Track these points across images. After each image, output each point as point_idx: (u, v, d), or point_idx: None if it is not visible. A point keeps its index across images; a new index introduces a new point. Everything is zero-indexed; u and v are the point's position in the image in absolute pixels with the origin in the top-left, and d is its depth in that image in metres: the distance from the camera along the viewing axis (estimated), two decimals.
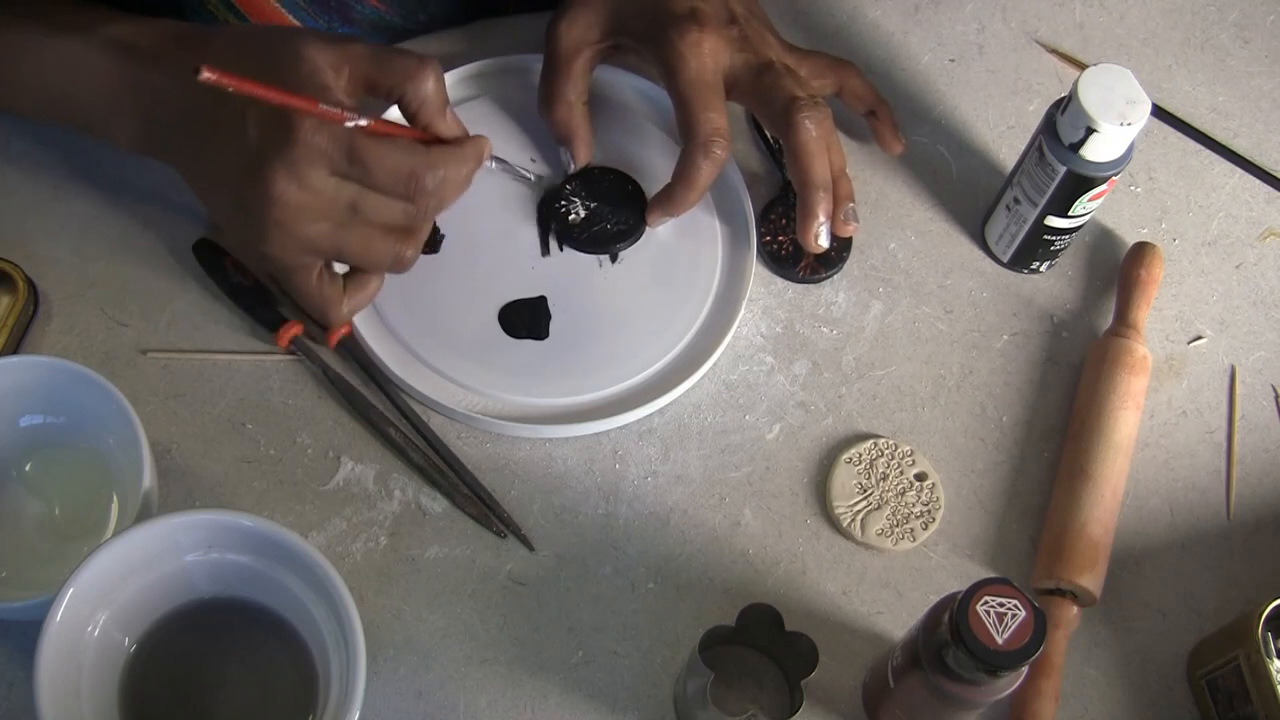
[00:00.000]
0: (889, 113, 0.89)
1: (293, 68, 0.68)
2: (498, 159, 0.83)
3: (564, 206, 0.84)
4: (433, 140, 0.72)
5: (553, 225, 0.84)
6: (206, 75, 0.61)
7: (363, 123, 0.67)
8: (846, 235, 0.83)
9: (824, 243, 0.81)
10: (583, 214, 0.84)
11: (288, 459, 0.79)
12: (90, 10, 0.75)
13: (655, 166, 0.86)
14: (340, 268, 0.76)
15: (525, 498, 0.79)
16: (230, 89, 0.62)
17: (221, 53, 0.71)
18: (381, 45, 0.71)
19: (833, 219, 0.81)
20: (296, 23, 0.86)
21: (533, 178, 0.84)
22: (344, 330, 0.80)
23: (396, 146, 0.69)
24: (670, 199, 0.82)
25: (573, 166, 0.84)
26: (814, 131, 0.78)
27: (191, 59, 0.64)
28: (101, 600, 0.68)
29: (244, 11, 0.83)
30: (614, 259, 0.85)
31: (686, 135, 0.79)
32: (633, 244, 0.84)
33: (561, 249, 0.84)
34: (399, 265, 0.73)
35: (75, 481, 0.75)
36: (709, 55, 0.79)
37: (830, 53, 0.89)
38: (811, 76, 0.86)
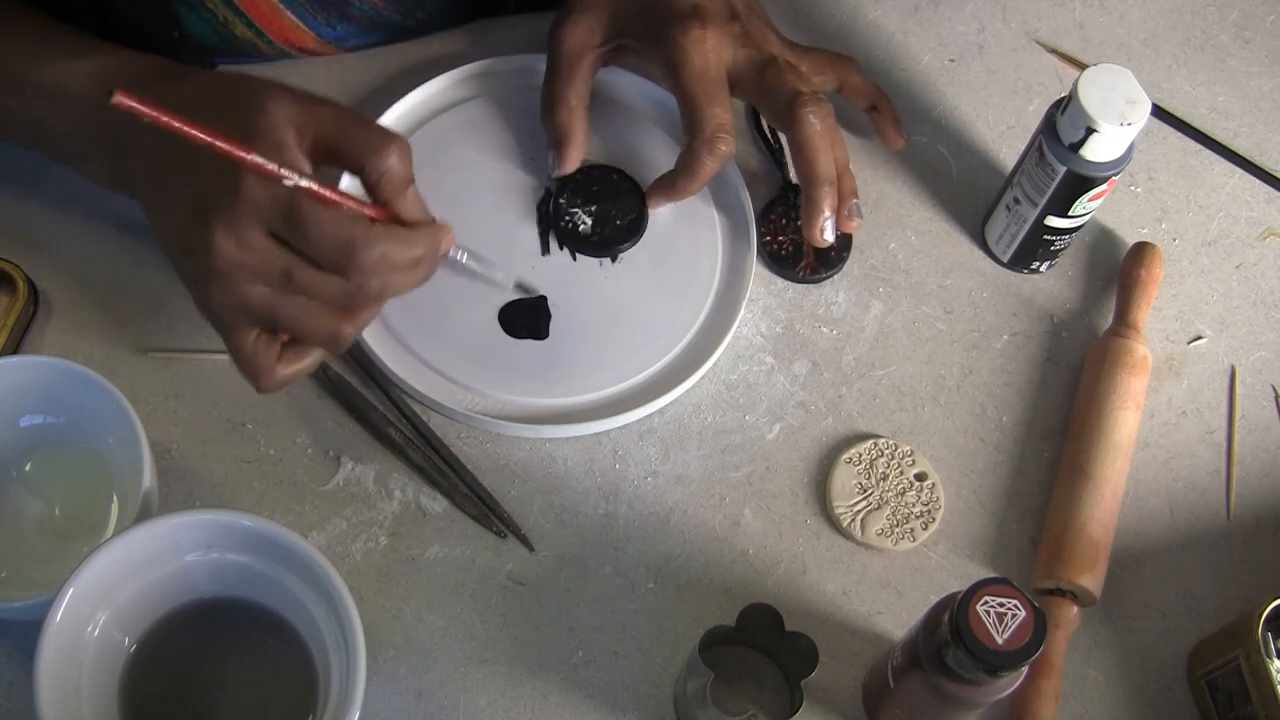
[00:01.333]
0: (890, 107, 0.89)
1: (254, 119, 0.65)
2: (470, 252, 0.74)
3: (569, 221, 0.84)
4: (388, 218, 0.67)
5: (565, 242, 0.84)
6: (119, 99, 0.58)
7: (302, 183, 0.63)
8: (850, 231, 0.83)
9: (829, 237, 0.81)
10: (590, 221, 0.84)
11: (288, 459, 0.79)
12: (77, 38, 0.74)
13: (658, 166, 0.86)
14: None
15: (525, 498, 0.79)
16: (145, 119, 0.59)
17: (191, 92, 0.69)
18: (354, 113, 0.68)
19: (836, 215, 0.81)
20: (296, 20, 0.86)
21: (504, 282, 0.79)
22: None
23: (336, 216, 0.64)
24: (673, 187, 0.82)
25: (556, 171, 0.84)
26: (818, 126, 0.78)
27: (170, 97, 0.62)
28: (101, 600, 0.68)
29: (242, 8, 0.83)
30: (614, 259, 0.85)
31: (691, 130, 0.79)
32: (637, 241, 0.84)
33: (575, 258, 0.84)
34: (334, 343, 0.68)
35: (75, 481, 0.75)
36: (712, 51, 0.79)
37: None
38: (812, 73, 0.87)
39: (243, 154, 0.62)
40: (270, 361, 0.69)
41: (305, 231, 0.64)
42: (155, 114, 0.60)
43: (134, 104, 0.59)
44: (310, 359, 0.70)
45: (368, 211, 0.66)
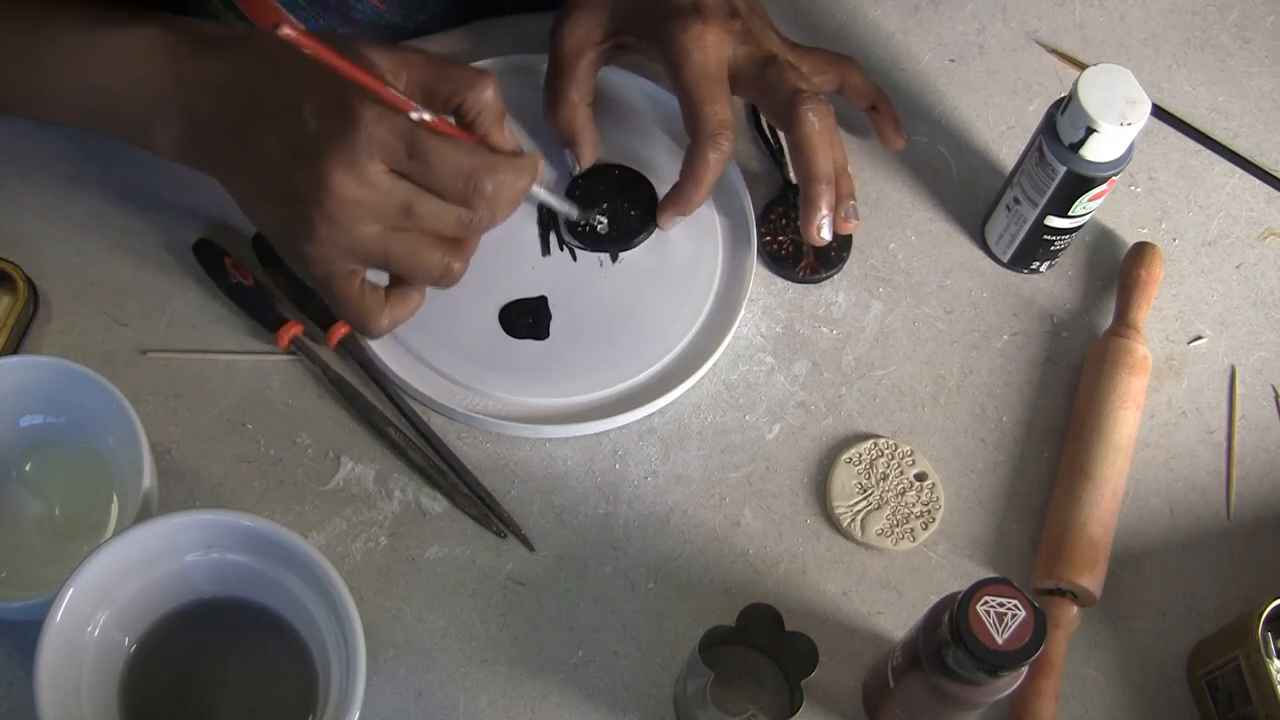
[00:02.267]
0: (890, 107, 0.89)
1: (354, 60, 0.66)
2: (540, 187, 0.78)
3: (585, 225, 0.84)
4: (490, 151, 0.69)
5: (588, 246, 0.84)
6: (286, 31, 0.59)
7: (426, 116, 0.66)
8: (847, 232, 0.83)
9: (827, 235, 0.81)
10: (606, 220, 0.84)
11: (288, 459, 0.79)
12: (130, 7, 0.73)
13: (660, 166, 0.86)
14: (381, 278, 0.73)
15: (525, 498, 0.79)
16: (304, 49, 0.60)
17: (275, 47, 0.68)
18: (437, 56, 0.70)
19: (834, 214, 0.81)
20: (296, 22, 0.85)
21: (570, 211, 0.82)
22: (343, 330, 0.80)
23: (458, 145, 0.67)
24: (680, 196, 0.82)
25: (578, 168, 0.84)
26: (817, 125, 0.78)
27: (241, 50, 0.63)
28: (101, 600, 0.68)
29: (244, 10, 0.83)
30: (614, 259, 0.85)
31: (693, 129, 0.79)
32: (654, 228, 0.85)
33: (575, 258, 0.84)
34: (446, 278, 0.70)
35: (75, 481, 0.75)
36: (713, 48, 0.79)
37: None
38: (813, 72, 0.87)
39: (379, 87, 0.64)
40: (380, 304, 0.71)
41: (432, 162, 0.65)
42: (316, 47, 0.61)
43: (299, 36, 0.60)
44: (416, 299, 0.73)
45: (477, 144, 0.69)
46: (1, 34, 0.72)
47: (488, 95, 0.69)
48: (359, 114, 0.64)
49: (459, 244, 0.70)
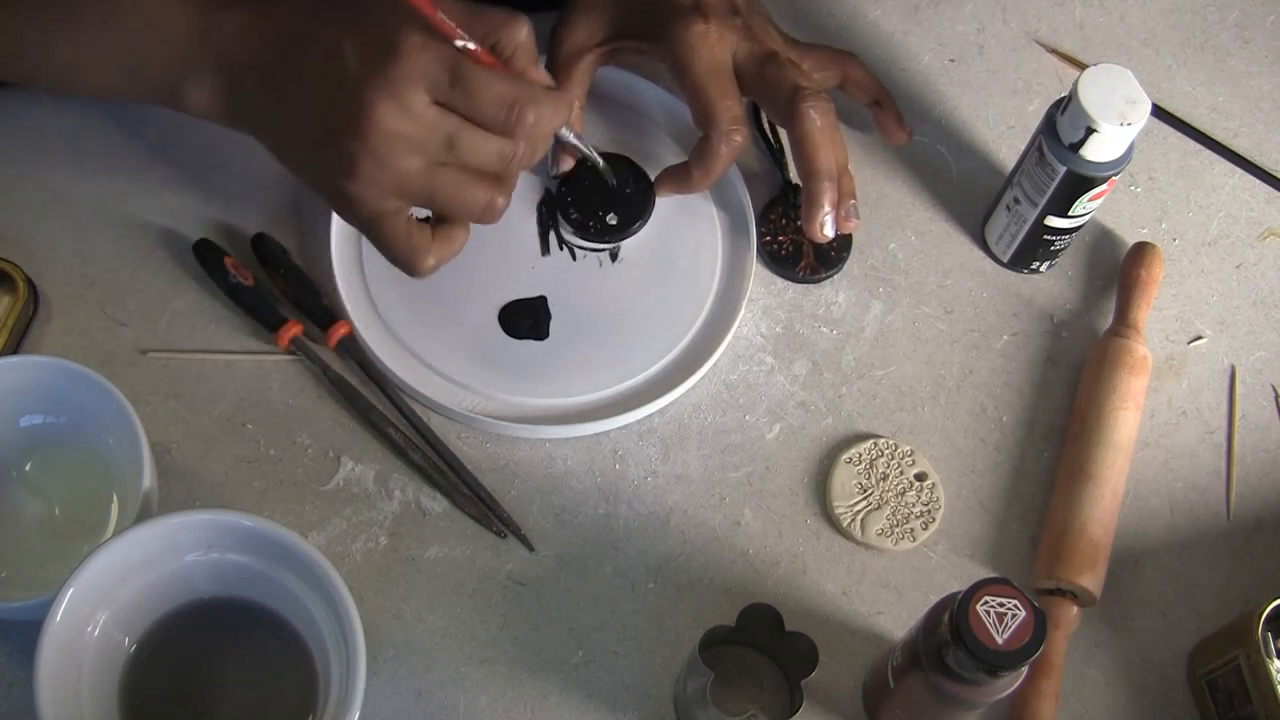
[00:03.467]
0: (892, 103, 0.89)
1: (387, 6, 0.67)
2: (569, 130, 0.79)
3: (596, 224, 0.84)
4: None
5: (598, 237, 0.84)
6: None
7: (471, 45, 0.66)
8: (847, 231, 0.83)
9: (829, 233, 0.81)
10: (612, 211, 0.84)
11: (288, 459, 0.79)
12: None
13: (659, 165, 0.86)
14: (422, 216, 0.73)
15: (525, 498, 0.79)
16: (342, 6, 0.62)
17: None
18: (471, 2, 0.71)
19: (835, 213, 0.81)
20: None
21: (601, 164, 0.82)
22: (343, 330, 0.80)
23: (500, 76, 0.67)
24: (686, 179, 0.82)
25: (554, 170, 0.84)
26: (819, 121, 0.78)
27: (276, 2, 0.64)
28: (101, 600, 0.68)
29: None
30: (614, 258, 0.85)
31: (706, 124, 0.79)
32: (655, 204, 0.85)
33: (575, 258, 0.84)
34: (489, 213, 0.70)
35: (75, 481, 0.75)
36: (717, 45, 0.79)
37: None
38: (814, 69, 0.87)
39: (430, 10, 0.64)
40: (426, 243, 0.71)
41: (475, 91, 0.66)
42: None
43: None
44: (462, 237, 0.73)
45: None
46: (28, 1, 0.71)
47: (523, 34, 0.69)
48: (402, 44, 0.65)
49: (501, 179, 0.70)
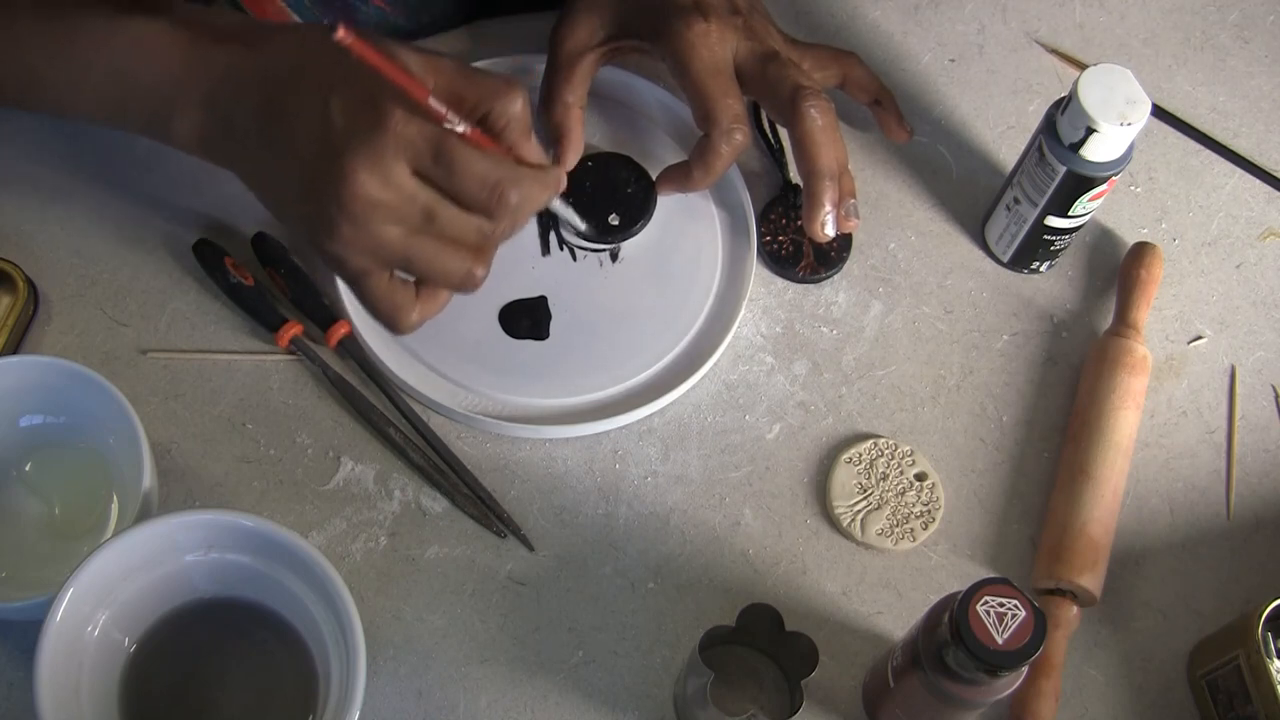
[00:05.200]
0: (893, 102, 0.89)
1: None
2: (560, 199, 0.78)
3: (598, 224, 0.83)
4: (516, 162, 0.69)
5: (598, 238, 0.84)
6: (342, 35, 0.58)
7: (461, 128, 0.65)
8: (847, 231, 0.83)
9: (830, 232, 0.81)
10: (617, 210, 0.84)
11: (288, 459, 0.79)
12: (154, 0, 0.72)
13: (659, 165, 0.86)
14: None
15: (525, 498, 0.79)
16: (355, 53, 0.60)
17: (297, 43, 0.68)
18: (467, 64, 0.69)
19: (836, 212, 0.81)
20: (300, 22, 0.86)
21: (584, 227, 0.82)
22: (343, 330, 0.80)
23: (486, 156, 0.66)
24: (687, 177, 0.82)
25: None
26: (820, 120, 0.78)
27: (270, 42, 0.62)
28: (101, 600, 0.68)
29: (250, 11, 0.83)
30: (615, 258, 0.85)
31: (707, 123, 0.79)
32: (657, 201, 0.85)
33: (575, 258, 0.84)
34: (468, 283, 0.69)
35: (75, 481, 0.75)
36: (718, 44, 0.79)
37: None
38: (814, 69, 0.87)
39: (422, 95, 0.63)
40: (410, 301, 0.70)
41: (458, 170, 0.65)
42: (370, 53, 0.60)
43: (355, 41, 0.59)
44: (444, 298, 0.72)
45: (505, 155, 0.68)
46: (22, 26, 0.71)
47: (517, 105, 0.68)
48: (388, 113, 0.64)
49: (480, 250, 0.69)
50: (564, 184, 0.71)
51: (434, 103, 0.64)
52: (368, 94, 0.64)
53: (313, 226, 0.67)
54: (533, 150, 0.69)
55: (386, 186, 0.64)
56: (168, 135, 0.71)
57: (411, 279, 0.70)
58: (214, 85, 0.69)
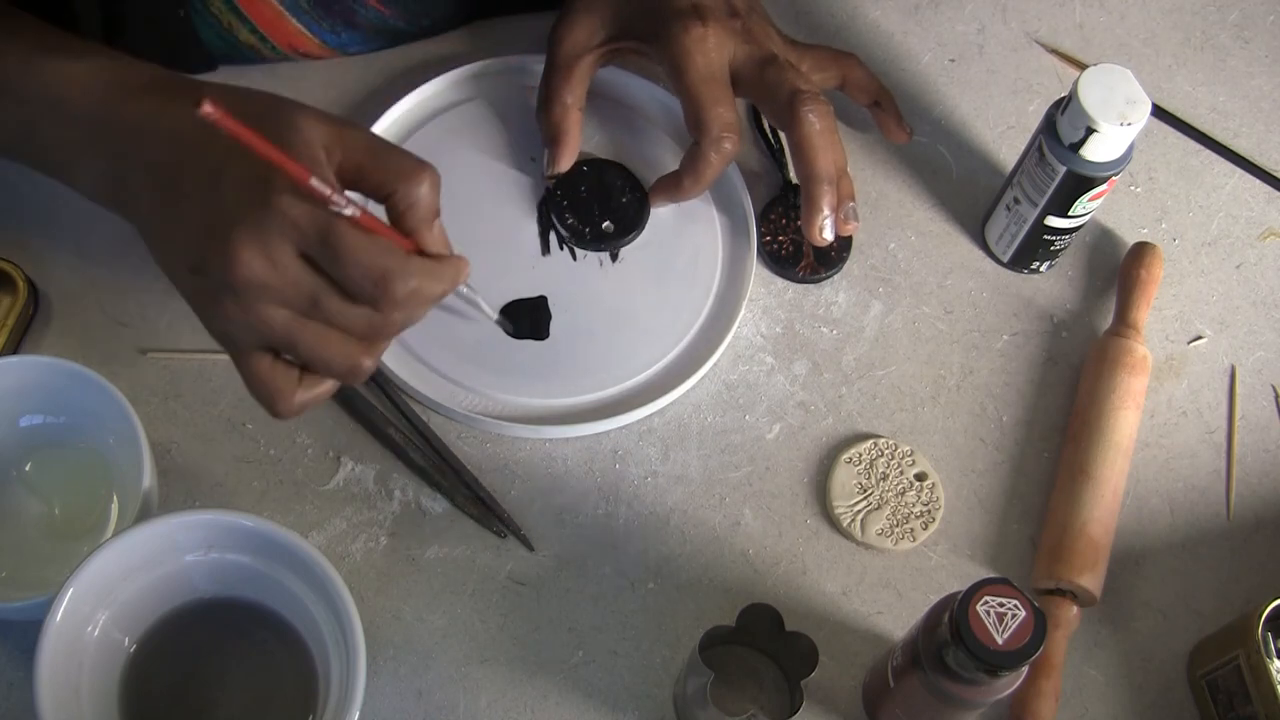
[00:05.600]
0: (893, 103, 0.89)
1: (285, 136, 0.62)
2: (468, 286, 0.76)
3: (591, 229, 0.83)
4: (412, 249, 0.64)
5: (593, 243, 0.84)
6: (207, 109, 0.55)
7: (347, 212, 0.60)
8: (846, 234, 0.83)
9: (828, 236, 0.81)
10: (609, 218, 0.84)
11: (288, 459, 0.79)
12: (78, 41, 0.69)
13: (659, 166, 0.86)
14: None
15: (525, 498, 0.79)
16: (224, 130, 0.56)
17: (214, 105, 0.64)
18: (380, 138, 0.65)
19: (834, 216, 0.81)
20: (301, 27, 0.85)
21: (495, 318, 0.80)
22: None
23: (374, 243, 0.61)
24: (678, 187, 0.82)
25: (549, 170, 0.84)
26: (818, 124, 0.78)
27: (181, 103, 0.59)
28: (101, 600, 0.68)
29: (247, 14, 0.83)
30: (614, 258, 0.85)
31: (697, 130, 0.79)
32: (645, 224, 0.85)
33: (575, 258, 0.84)
34: (353, 375, 0.64)
35: (75, 481, 0.75)
36: (714, 49, 0.79)
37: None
38: (813, 70, 0.87)
39: (301, 176, 0.59)
40: (290, 386, 0.66)
41: (342, 258, 0.61)
42: (238, 128, 0.56)
43: (221, 117, 0.55)
44: (328, 385, 0.67)
45: (400, 244, 0.63)
46: None
47: (423, 190, 0.63)
48: (275, 193, 0.60)
49: (369, 341, 0.65)
50: (465, 274, 0.66)
51: (315, 183, 0.60)
52: (262, 171, 0.61)
53: (199, 299, 0.64)
54: (434, 240, 0.65)
55: (271, 269, 0.61)
56: (71, 180, 0.69)
57: (295, 364, 0.66)
58: (120, 142, 0.66)
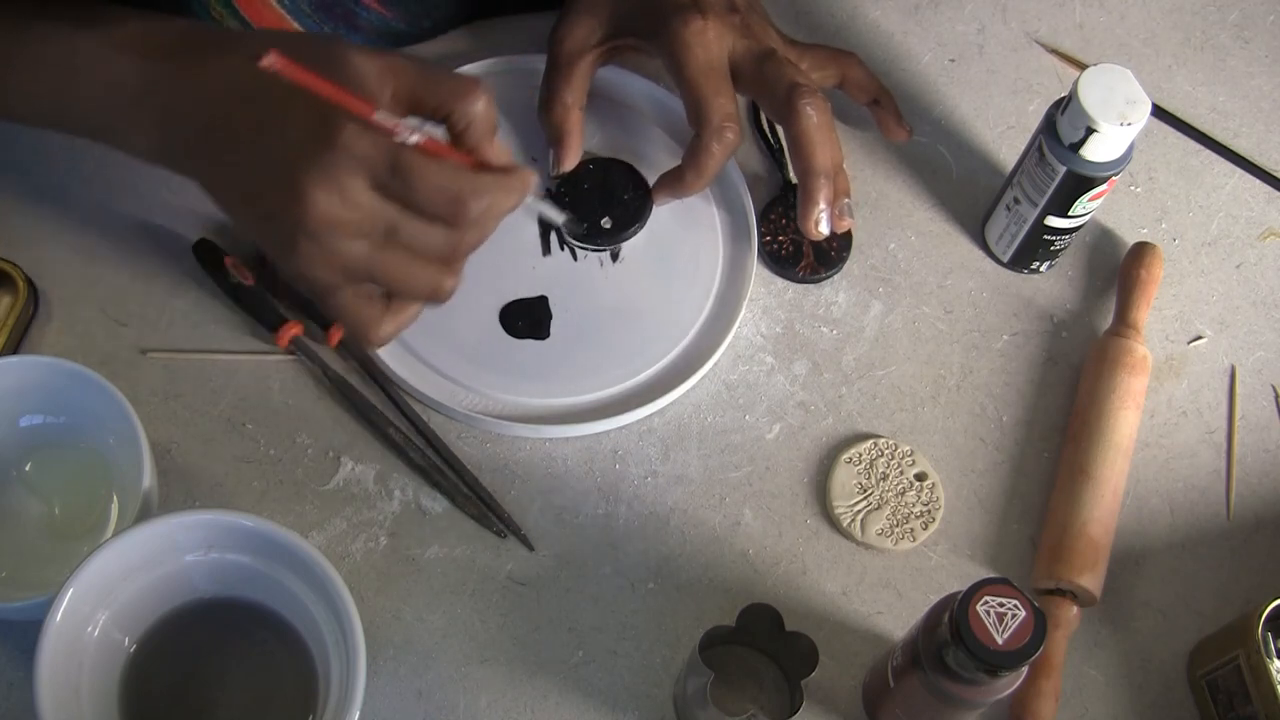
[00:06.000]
0: (892, 100, 0.89)
1: (342, 74, 0.63)
2: (534, 196, 0.76)
3: (589, 227, 0.83)
4: (479, 166, 0.66)
5: (590, 240, 0.84)
6: (269, 61, 0.56)
7: (414, 139, 0.62)
8: (841, 230, 0.83)
9: (824, 230, 0.81)
10: (610, 216, 0.84)
11: (288, 459, 0.79)
12: (110, 8, 0.70)
13: (658, 165, 0.86)
14: None
15: (525, 498, 0.79)
16: (285, 78, 0.58)
17: (258, 55, 0.65)
18: (428, 62, 0.67)
19: (830, 211, 0.81)
20: (300, 29, 0.85)
21: (562, 219, 0.81)
22: (344, 330, 0.80)
23: (443, 166, 0.63)
24: (681, 181, 0.82)
25: (554, 169, 0.84)
26: (815, 119, 0.78)
27: (228, 58, 0.61)
28: (101, 600, 0.68)
29: (248, 17, 0.83)
30: (615, 258, 0.85)
31: (699, 122, 0.79)
32: (651, 211, 0.84)
33: (576, 258, 0.84)
34: (437, 296, 0.67)
35: (75, 481, 0.75)
36: (714, 42, 0.79)
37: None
38: (812, 69, 0.87)
39: (366, 111, 0.61)
40: (378, 314, 0.68)
41: (414, 183, 0.63)
42: (301, 75, 0.58)
43: (284, 66, 0.57)
44: (415, 310, 0.69)
45: (465, 161, 0.65)
46: None
47: (479, 106, 0.65)
48: (339, 130, 0.61)
49: (449, 261, 0.67)
50: (533, 184, 0.68)
51: (381, 117, 0.62)
52: (321, 111, 0.62)
53: (273, 244, 0.65)
54: (497, 152, 0.67)
55: (345, 204, 0.62)
56: (123, 146, 0.70)
57: (379, 293, 0.68)
58: (168, 103, 0.67)
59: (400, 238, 0.64)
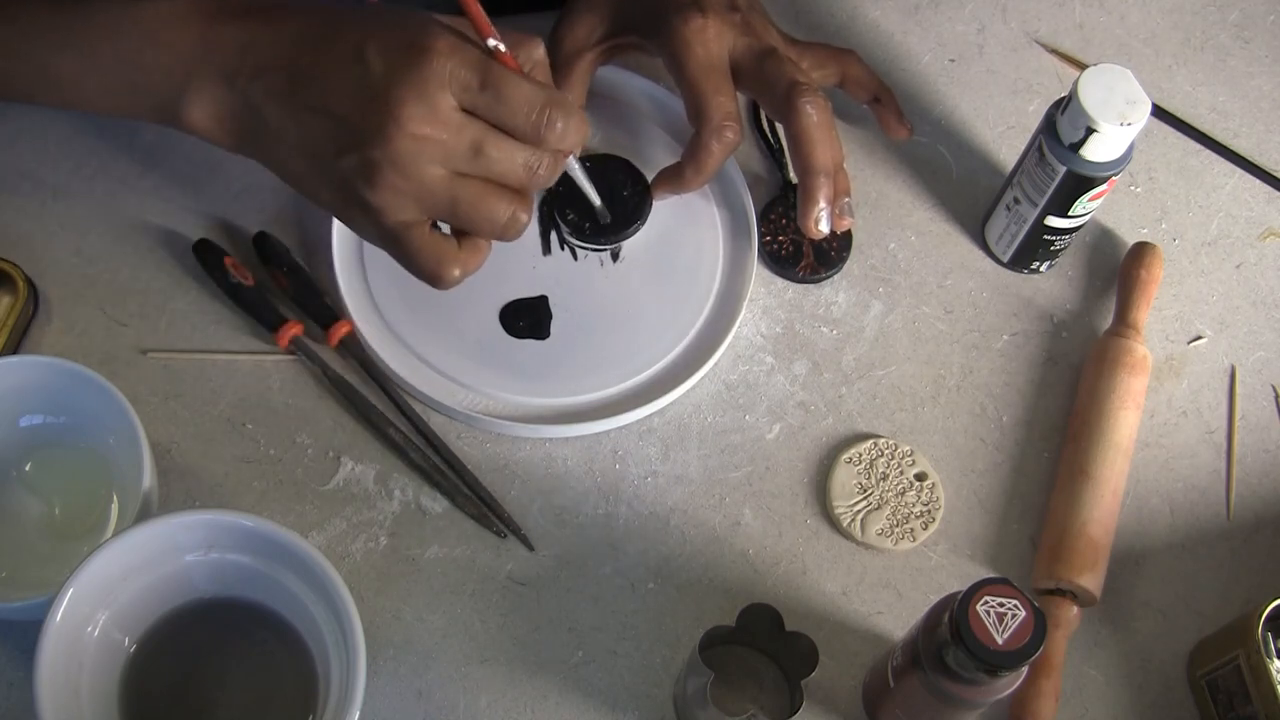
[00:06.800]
0: (893, 98, 0.89)
1: (408, 12, 0.67)
2: (575, 158, 0.77)
3: (587, 222, 0.83)
4: None
5: (590, 237, 0.83)
6: None
7: (501, 46, 0.66)
8: (842, 229, 0.83)
9: (824, 228, 0.81)
10: (613, 216, 0.84)
11: (288, 459, 0.79)
12: None
13: (658, 164, 0.86)
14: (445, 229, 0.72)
15: (525, 498, 0.79)
16: (357, 22, 0.63)
17: (320, 6, 0.69)
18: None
19: (830, 209, 0.81)
20: None
21: (599, 201, 0.80)
22: (344, 329, 0.80)
23: (529, 80, 0.67)
24: (680, 178, 0.82)
25: None
26: (815, 117, 0.78)
27: (289, 11, 0.64)
28: (101, 600, 0.68)
29: None
30: (615, 258, 0.85)
31: (699, 120, 0.79)
32: (648, 214, 0.84)
33: (576, 258, 0.84)
34: (512, 227, 0.69)
35: (75, 481, 0.75)
36: (714, 40, 0.79)
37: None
38: (813, 68, 0.87)
39: (487, 28, 0.65)
40: (453, 252, 0.70)
41: (506, 93, 0.66)
42: None
43: None
44: (485, 250, 0.71)
45: None
46: (28, 18, 0.71)
47: (540, 52, 0.69)
48: (431, 45, 0.64)
49: (522, 193, 0.69)
50: (588, 131, 0.70)
51: (479, 10, 0.66)
52: (405, 36, 0.65)
53: (350, 182, 0.67)
54: (565, 85, 0.71)
55: (434, 120, 0.65)
56: (182, 119, 0.70)
57: (449, 232, 0.70)
58: (230, 61, 0.68)
59: (483, 157, 0.66)
